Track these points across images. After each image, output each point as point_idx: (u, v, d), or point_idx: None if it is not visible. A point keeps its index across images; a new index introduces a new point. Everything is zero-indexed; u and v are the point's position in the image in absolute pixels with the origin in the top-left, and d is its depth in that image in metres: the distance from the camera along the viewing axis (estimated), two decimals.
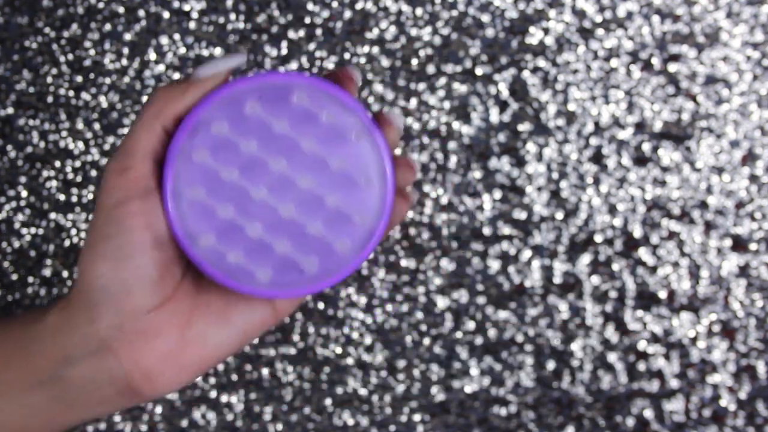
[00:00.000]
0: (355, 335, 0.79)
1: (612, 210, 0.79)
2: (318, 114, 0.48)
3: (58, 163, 0.78)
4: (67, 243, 0.78)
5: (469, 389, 0.79)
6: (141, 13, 0.78)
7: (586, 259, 0.79)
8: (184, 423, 0.79)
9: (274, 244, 0.48)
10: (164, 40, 0.78)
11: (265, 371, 0.79)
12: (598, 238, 0.79)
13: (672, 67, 0.78)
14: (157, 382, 0.46)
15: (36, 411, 0.46)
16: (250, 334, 0.49)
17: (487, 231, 0.79)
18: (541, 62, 0.78)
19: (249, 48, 0.78)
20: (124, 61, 0.78)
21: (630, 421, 0.79)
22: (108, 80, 0.78)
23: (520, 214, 0.79)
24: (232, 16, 0.78)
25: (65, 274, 0.79)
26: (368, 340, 0.79)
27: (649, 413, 0.79)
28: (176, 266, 0.47)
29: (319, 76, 0.49)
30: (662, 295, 0.79)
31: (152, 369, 0.46)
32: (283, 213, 0.48)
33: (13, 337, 0.46)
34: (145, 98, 0.78)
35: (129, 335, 0.45)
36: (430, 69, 0.78)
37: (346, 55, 0.78)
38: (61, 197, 0.78)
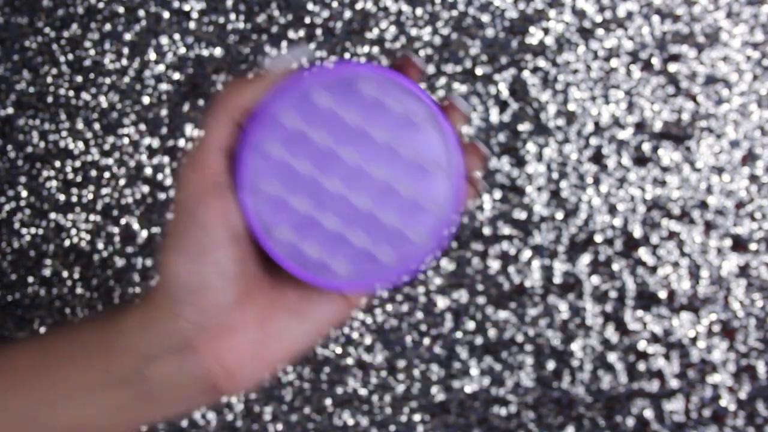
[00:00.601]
0: (355, 335, 0.79)
1: (612, 210, 0.79)
2: (386, 102, 0.47)
3: (58, 163, 0.78)
4: (66, 243, 0.78)
5: (469, 389, 0.79)
6: (141, 13, 0.78)
7: (586, 259, 0.79)
8: (184, 423, 0.79)
9: (349, 236, 0.47)
10: (164, 40, 0.78)
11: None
12: (598, 238, 0.79)
13: (672, 67, 0.78)
14: (237, 378, 0.46)
15: (119, 409, 0.46)
16: (326, 327, 0.48)
17: (487, 231, 0.79)
18: (541, 62, 0.78)
19: (252, 47, 0.78)
20: (124, 61, 0.78)
21: (630, 421, 0.79)
22: (108, 80, 0.78)
23: (520, 214, 0.79)
24: (232, 16, 0.78)
25: (65, 274, 0.79)
26: (368, 340, 0.79)
27: (649, 413, 0.79)
28: (253, 261, 0.47)
29: (383, 66, 0.49)
30: (662, 295, 0.79)
31: (232, 365, 0.46)
32: (357, 203, 0.47)
33: (94, 336, 0.46)
34: (145, 98, 0.78)
35: (210, 332, 0.46)
36: (430, 69, 0.78)
37: (346, 55, 0.78)
38: (61, 197, 0.78)
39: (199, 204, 0.45)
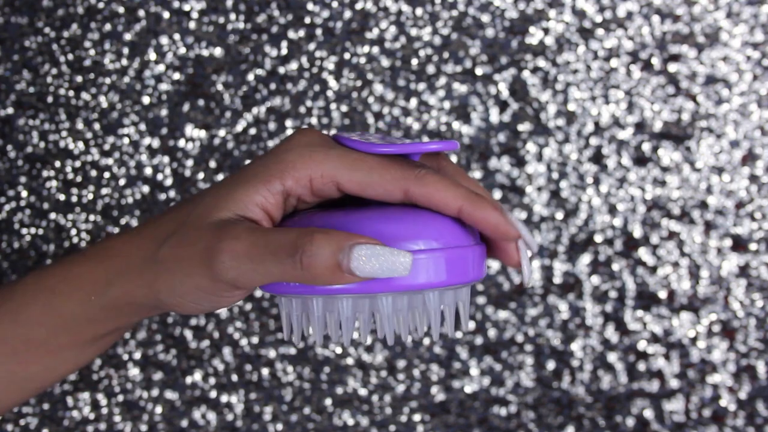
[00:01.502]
0: (355, 335, 0.79)
1: (612, 210, 0.79)
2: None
3: (58, 163, 0.78)
4: (66, 243, 0.78)
5: (469, 389, 0.79)
6: (141, 13, 0.78)
7: (586, 259, 0.79)
8: (184, 423, 0.79)
9: None
10: (164, 40, 0.78)
11: (265, 371, 0.79)
12: (598, 238, 0.79)
13: (672, 67, 0.78)
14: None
15: (146, 283, 0.51)
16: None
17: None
18: (541, 62, 0.78)
19: (252, 47, 0.78)
20: (124, 61, 0.78)
21: (630, 421, 0.79)
22: (108, 80, 0.78)
23: (520, 214, 0.79)
24: (232, 16, 0.78)
25: None
26: (368, 340, 0.79)
27: (649, 413, 0.79)
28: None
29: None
30: (662, 295, 0.79)
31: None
32: None
33: (127, 236, 0.53)
34: (145, 98, 0.78)
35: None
36: (430, 69, 0.78)
37: (346, 55, 0.78)
38: (61, 197, 0.78)
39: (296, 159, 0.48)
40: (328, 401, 0.79)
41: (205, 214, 0.48)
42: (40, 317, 0.53)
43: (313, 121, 0.78)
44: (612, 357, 0.79)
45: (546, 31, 0.78)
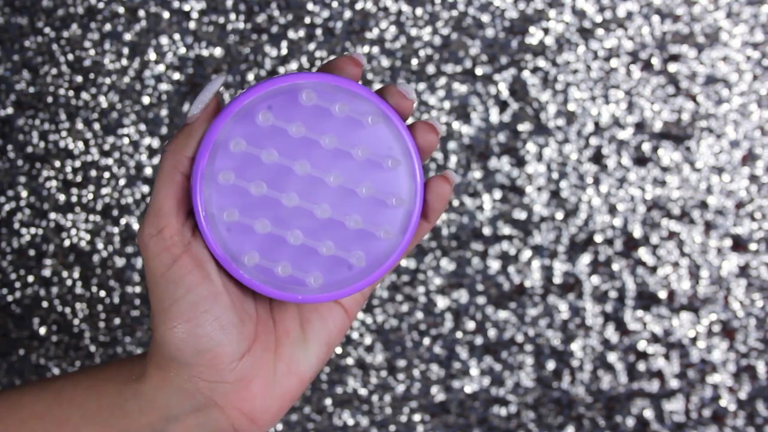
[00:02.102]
0: (355, 335, 0.79)
1: (612, 210, 0.79)
2: (329, 108, 0.47)
3: (58, 163, 0.78)
4: (66, 243, 0.78)
5: (469, 389, 0.79)
6: (141, 13, 0.78)
7: (586, 259, 0.79)
8: None
9: (318, 248, 0.47)
10: (164, 40, 0.78)
11: None
12: (598, 238, 0.79)
13: (672, 67, 0.78)
14: (260, 421, 0.46)
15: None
16: (332, 343, 0.48)
17: (487, 231, 0.79)
18: (541, 62, 0.78)
19: (252, 47, 0.78)
20: (124, 61, 0.78)
21: (630, 421, 0.79)
22: (108, 80, 0.78)
23: (520, 214, 0.79)
24: (232, 16, 0.78)
25: (65, 274, 0.79)
26: (368, 340, 0.79)
27: (649, 413, 0.79)
28: (248, 299, 0.47)
29: (321, 71, 0.48)
30: (662, 295, 0.79)
31: (255, 410, 0.46)
32: (319, 214, 0.47)
33: (107, 394, 0.46)
34: (145, 98, 0.78)
35: (228, 386, 0.46)
36: (430, 69, 0.78)
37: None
38: (61, 197, 0.78)
39: (176, 269, 0.44)
40: (328, 401, 0.79)
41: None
42: None
43: None
44: (612, 357, 0.79)
45: (546, 31, 0.78)
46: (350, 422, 0.79)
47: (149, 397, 0.46)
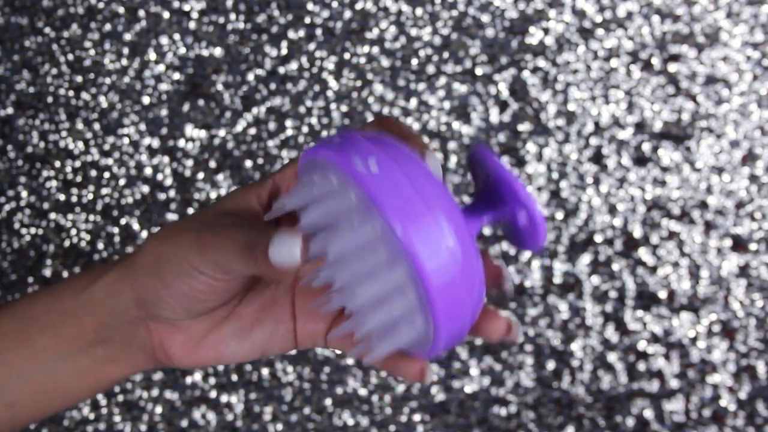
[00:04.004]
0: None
1: (612, 210, 0.79)
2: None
3: (58, 163, 0.78)
4: (67, 243, 0.78)
5: (469, 389, 0.79)
6: (141, 13, 0.78)
7: (586, 259, 0.79)
8: (184, 423, 0.79)
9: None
10: (164, 40, 0.78)
11: (265, 371, 0.79)
12: (598, 238, 0.79)
13: (672, 67, 0.78)
14: (175, 361, 0.48)
15: (85, 371, 0.48)
16: (266, 353, 0.49)
17: (487, 231, 0.79)
18: (541, 62, 0.78)
19: (252, 47, 0.78)
20: (124, 61, 0.78)
21: (630, 421, 0.79)
22: (108, 80, 0.78)
23: None
24: (232, 16, 0.78)
25: (65, 274, 0.79)
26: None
27: (649, 413, 0.79)
28: (240, 282, 0.47)
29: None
30: (662, 295, 0.79)
31: (173, 353, 0.48)
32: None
33: (63, 303, 0.48)
34: (145, 98, 0.78)
35: (165, 325, 0.47)
36: (430, 69, 0.78)
37: (346, 55, 0.78)
38: (61, 197, 0.78)
39: (238, 213, 0.45)
40: (328, 401, 0.79)
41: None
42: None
43: (313, 121, 0.78)
44: (612, 357, 0.79)
45: (546, 31, 0.78)
46: (350, 422, 0.79)
47: (98, 304, 0.48)
